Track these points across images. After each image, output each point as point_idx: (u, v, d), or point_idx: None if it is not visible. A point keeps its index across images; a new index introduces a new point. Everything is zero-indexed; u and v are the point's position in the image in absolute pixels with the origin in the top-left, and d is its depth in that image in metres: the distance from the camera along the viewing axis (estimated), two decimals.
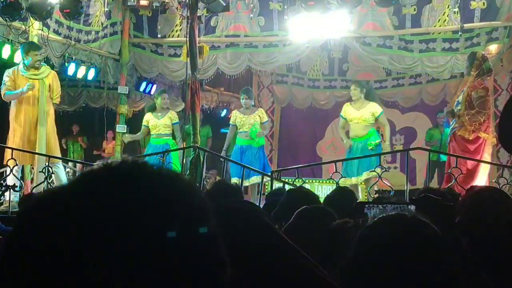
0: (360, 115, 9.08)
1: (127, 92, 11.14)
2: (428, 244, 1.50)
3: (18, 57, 9.18)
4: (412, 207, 2.09)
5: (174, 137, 10.13)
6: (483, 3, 9.85)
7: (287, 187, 8.08)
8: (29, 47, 8.22)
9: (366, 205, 2.35)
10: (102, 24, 10.65)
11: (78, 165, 12.15)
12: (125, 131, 10.87)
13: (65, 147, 14.26)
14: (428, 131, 12.40)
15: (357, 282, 1.53)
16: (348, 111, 9.25)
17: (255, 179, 8.87)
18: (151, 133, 9.76)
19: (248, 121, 9.45)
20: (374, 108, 9.15)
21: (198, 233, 0.86)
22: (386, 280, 1.46)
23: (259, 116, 9.55)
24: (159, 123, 9.69)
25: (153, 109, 9.86)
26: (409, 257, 1.47)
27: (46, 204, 0.87)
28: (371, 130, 9.07)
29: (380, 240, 1.52)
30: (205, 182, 9.03)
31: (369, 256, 1.51)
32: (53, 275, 0.80)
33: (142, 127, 9.93)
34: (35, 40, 9.05)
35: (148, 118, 9.79)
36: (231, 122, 9.67)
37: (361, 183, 8.90)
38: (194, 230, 0.86)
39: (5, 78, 8.02)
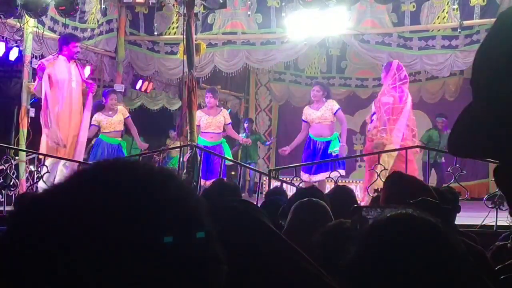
0: (320, 114, 8.95)
1: (123, 90, 11.06)
2: (437, 245, 1.47)
3: (13, 54, 9.14)
4: (410, 211, 2.07)
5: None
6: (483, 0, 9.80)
7: (285, 186, 8.06)
8: (71, 38, 8.37)
9: (364, 209, 2.33)
10: (97, 21, 10.59)
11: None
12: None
13: None
14: (425, 132, 12.16)
15: (362, 282, 1.49)
16: (307, 113, 9.08)
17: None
18: (104, 131, 9.56)
19: (214, 123, 9.37)
20: (331, 104, 9.01)
21: (195, 238, 0.84)
22: (392, 280, 1.43)
23: (223, 116, 9.49)
24: (113, 121, 9.59)
25: (101, 108, 9.72)
26: (417, 258, 1.44)
27: (40, 205, 0.85)
28: (335, 134, 8.97)
29: (388, 240, 1.49)
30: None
31: (376, 256, 1.48)
32: (46, 278, 0.78)
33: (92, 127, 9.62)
34: (30, 37, 8.97)
35: (99, 119, 9.57)
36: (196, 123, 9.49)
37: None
38: (191, 235, 0.84)
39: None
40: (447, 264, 1.44)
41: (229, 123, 9.70)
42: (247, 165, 8.76)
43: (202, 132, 9.36)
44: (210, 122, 9.36)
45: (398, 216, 1.55)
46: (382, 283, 1.44)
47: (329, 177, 8.00)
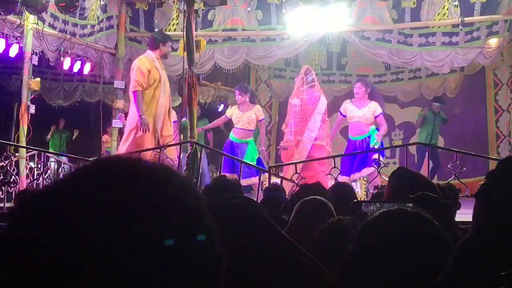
0: (362, 114, 9.06)
1: (123, 87, 11.04)
2: (428, 240, 1.47)
3: (13, 51, 9.13)
4: (410, 206, 2.07)
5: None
6: None
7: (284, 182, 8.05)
8: (167, 37, 8.56)
9: (364, 203, 2.33)
10: (98, 18, 10.57)
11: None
12: (121, 126, 10.79)
13: (47, 140, 14.20)
14: (420, 112, 12.21)
15: (357, 277, 1.51)
16: (348, 108, 9.23)
17: (254, 179, 8.87)
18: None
19: (243, 119, 9.45)
20: (374, 107, 9.15)
21: (196, 240, 0.83)
22: (385, 275, 1.44)
23: (255, 113, 9.51)
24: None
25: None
26: (409, 254, 1.44)
27: (40, 202, 0.84)
28: (372, 128, 9.08)
29: (380, 235, 1.50)
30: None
31: (370, 251, 1.50)
32: (45, 275, 0.77)
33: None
34: (30, 34, 8.96)
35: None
36: (226, 113, 9.79)
37: (360, 179, 8.86)
38: (192, 238, 0.83)
39: (140, 74, 7.98)
40: (439, 259, 1.44)
41: (262, 119, 9.75)
42: (248, 163, 8.74)
43: (233, 127, 9.66)
44: (239, 117, 9.50)
45: (392, 213, 1.55)
46: (375, 278, 1.44)
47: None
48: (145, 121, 8.00)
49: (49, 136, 14.37)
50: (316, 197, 3.25)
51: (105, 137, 13.32)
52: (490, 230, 1.10)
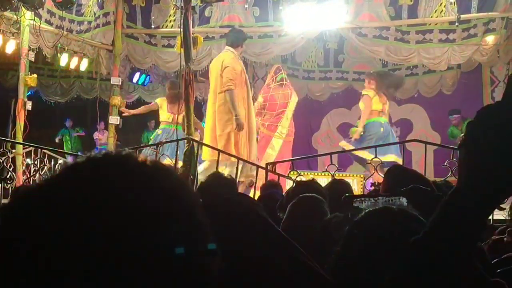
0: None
1: (120, 83, 11.04)
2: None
3: (10, 47, 9.12)
4: (404, 199, 2.07)
5: None
6: None
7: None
8: (246, 36, 8.74)
9: (357, 198, 2.31)
10: (94, 14, 10.56)
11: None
12: (118, 123, 10.79)
13: (57, 141, 14.20)
14: (449, 131, 12.37)
15: (344, 278, 1.51)
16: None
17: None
18: None
19: None
20: None
21: (207, 249, 0.83)
22: (372, 275, 1.42)
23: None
24: None
25: None
26: (394, 253, 1.41)
27: (32, 199, 0.83)
28: None
29: (365, 235, 1.50)
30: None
31: (355, 252, 1.49)
32: (37, 273, 0.77)
33: None
34: (27, 30, 8.95)
35: None
36: None
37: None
38: (203, 247, 0.83)
39: (234, 73, 8.08)
40: None
41: None
42: (246, 160, 8.74)
43: None
44: None
45: (376, 213, 1.55)
46: (362, 279, 1.44)
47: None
48: (240, 121, 8.02)
49: (57, 139, 14.38)
50: (308, 194, 3.24)
51: (96, 134, 13.36)
52: (475, 178, 1.11)
